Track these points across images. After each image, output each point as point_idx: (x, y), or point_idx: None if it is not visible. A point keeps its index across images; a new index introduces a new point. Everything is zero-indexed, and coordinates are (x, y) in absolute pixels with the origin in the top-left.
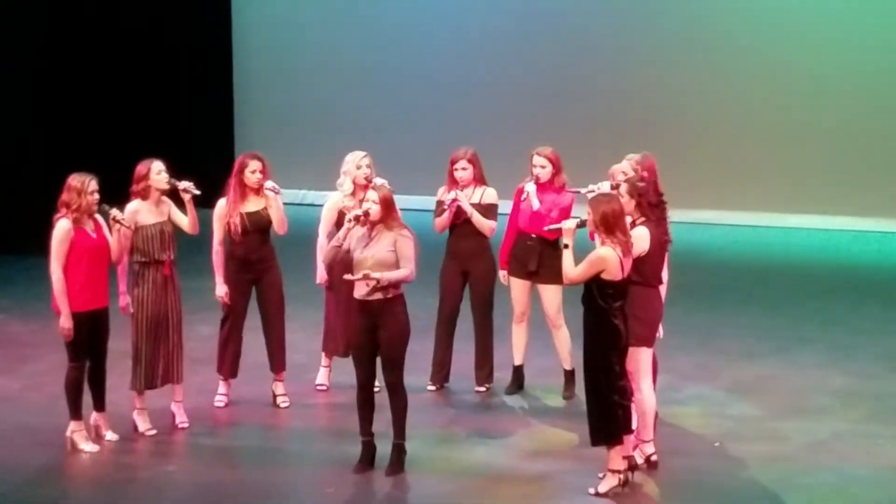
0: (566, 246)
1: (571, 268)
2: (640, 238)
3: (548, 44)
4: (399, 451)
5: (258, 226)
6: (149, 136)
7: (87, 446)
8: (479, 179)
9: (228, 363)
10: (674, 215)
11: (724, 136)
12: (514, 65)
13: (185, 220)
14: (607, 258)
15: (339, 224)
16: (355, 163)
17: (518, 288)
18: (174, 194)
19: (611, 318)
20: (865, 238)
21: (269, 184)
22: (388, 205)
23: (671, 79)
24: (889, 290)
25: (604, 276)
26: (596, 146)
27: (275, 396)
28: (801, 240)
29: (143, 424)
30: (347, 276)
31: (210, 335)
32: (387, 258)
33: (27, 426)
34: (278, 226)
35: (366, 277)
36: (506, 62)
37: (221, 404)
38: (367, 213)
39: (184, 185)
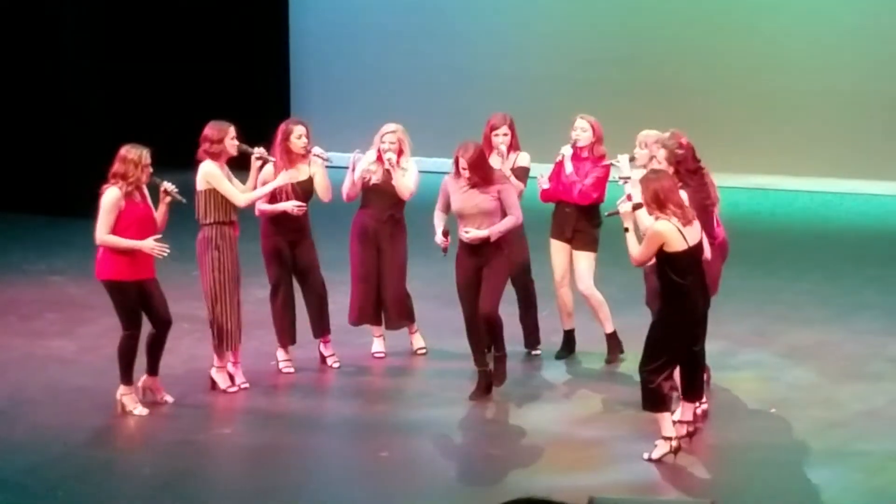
0: (626, 230)
1: (635, 249)
2: None
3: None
4: (502, 361)
5: (308, 194)
6: (205, 99)
7: (137, 409)
8: (516, 146)
9: (289, 330)
10: (731, 181)
11: (783, 100)
12: (568, 31)
13: (238, 189)
14: (663, 231)
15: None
16: (380, 133)
17: (557, 250)
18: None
19: (687, 293)
20: None
21: (316, 149)
22: (479, 164)
23: (725, 42)
24: None
25: (667, 249)
26: (643, 111)
27: (324, 358)
28: (861, 206)
29: (224, 382)
30: (463, 236)
31: (264, 298)
32: (490, 206)
33: (83, 388)
34: (323, 193)
35: (478, 237)
36: (560, 29)
37: (292, 370)
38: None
39: (258, 151)
